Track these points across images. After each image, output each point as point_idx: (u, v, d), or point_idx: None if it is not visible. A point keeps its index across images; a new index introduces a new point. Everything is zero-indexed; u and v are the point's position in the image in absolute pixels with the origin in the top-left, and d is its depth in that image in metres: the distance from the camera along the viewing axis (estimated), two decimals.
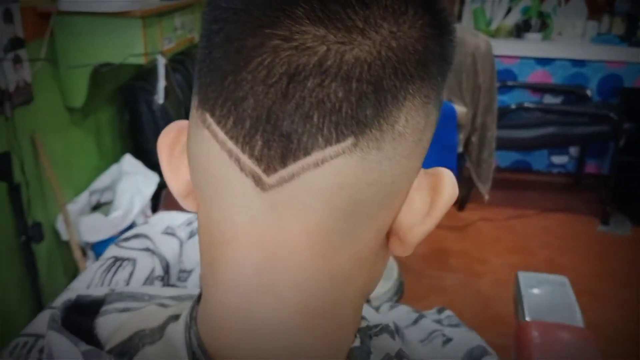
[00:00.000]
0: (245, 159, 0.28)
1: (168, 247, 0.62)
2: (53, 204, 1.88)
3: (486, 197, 2.10)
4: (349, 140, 0.27)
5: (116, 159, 2.20)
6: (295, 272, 0.30)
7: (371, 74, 0.27)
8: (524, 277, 0.97)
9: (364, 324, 0.36)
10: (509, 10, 3.48)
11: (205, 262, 0.33)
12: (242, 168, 0.29)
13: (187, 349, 0.32)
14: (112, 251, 0.61)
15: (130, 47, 1.79)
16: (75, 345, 0.32)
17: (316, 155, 0.27)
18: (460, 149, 1.93)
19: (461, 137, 1.91)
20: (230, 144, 0.29)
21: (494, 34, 3.40)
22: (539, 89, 3.31)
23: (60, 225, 1.89)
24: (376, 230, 0.32)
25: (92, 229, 1.90)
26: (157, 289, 0.43)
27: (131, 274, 0.58)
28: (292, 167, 0.28)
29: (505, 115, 2.59)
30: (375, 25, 0.27)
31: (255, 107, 0.27)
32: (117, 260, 0.60)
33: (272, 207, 0.29)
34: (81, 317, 0.37)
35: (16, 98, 1.72)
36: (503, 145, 2.55)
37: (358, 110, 0.27)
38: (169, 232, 0.64)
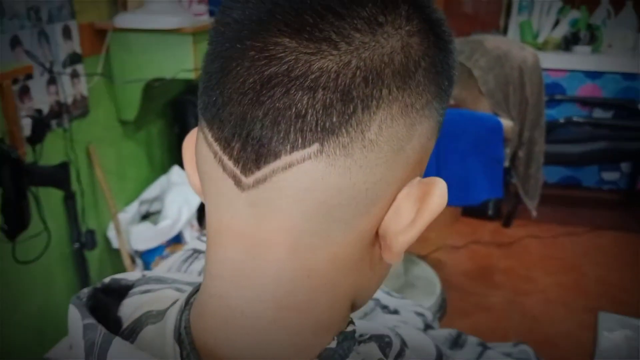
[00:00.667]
0: (226, 160, 0.31)
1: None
2: (105, 212, 1.95)
3: (534, 213, 2.05)
4: (314, 146, 0.29)
5: (165, 170, 2.26)
6: (271, 268, 0.32)
7: (338, 83, 0.28)
8: (603, 318, 0.93)
9: (350, 328, 0.36)
10: (556, 23, 3.42)
11: (206, 251, 0.36)
12: (224, 168, 0.31)
13: (174, 330, 0.35)
14: (194, 243, 0.65)
15: (181, 63, 1.85)
16: (81, 317, 0.35)
17: (285, 159, 0.29)
18: (506, 164, 1.89)
19: (507, 151, 1.87)
20: (215, 146, 0.31)
21: (542, 47, 3.33)
22: (589, 102, 3.22)
23: (111, 234, 1.96)
24: (355, 235, 0.32)
25: (142, 237, 1.96)
26: (181, 275, 0.45)
27: None
28: (265, 170, 0.30)
29: (553, 130, 2.53)
30: (347, 37, 0.28)
31: (232, 113, 0.29)
32: (196, 252, 0.63)
33: (251, 205, 0.31)
34: (109, 299, 0.40)
35: (73, 111, 1.80)
36: (551, 160, 2.49)
37: (323, 117, 0.28)
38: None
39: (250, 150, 0.29)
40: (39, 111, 1.66)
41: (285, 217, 0.30)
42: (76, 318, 0.35)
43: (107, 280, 0.42)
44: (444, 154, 1.79)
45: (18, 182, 1.08)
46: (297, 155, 0.29)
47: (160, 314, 0.37)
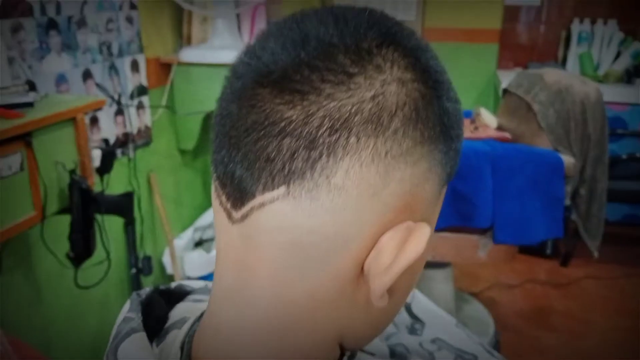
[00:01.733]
0: (222, 196, 0.35)
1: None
2: (162, 238, 2.01)
3: (595, 254, 1.96)
4: (282, 189, 0.31)
5: None
6: (254, 294, 0.35)
7: (304, 131, 0.30)
8: None
9: None
10: (618, 55, 3.32)
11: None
12: (221, 203, 0.35)
13: (183, 337, 0.40)
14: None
15: None
16: (128, 309, 0.41)
17: (259, 199, 0.32)
18: (567, 202, 1.83)
19: (568, 189, 1.81)
20: (216, 182, 0.36)
21: (603, 80, 3.24)
22: None
23: (166, 259, 2.01)
24: (331, 274, 0.34)
25: (195, 264, 2.00)
26: None
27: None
28: (247, 207, 0.33)
29: (615, 166, 2.44)
30: (316, 88, 0.30)
31: (224, 155, 0.33)
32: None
33: (240, 236, 0.34)
34: (164, 299, 0.44)
35: (138, 140, 1.87)
36: (613, 197, 2.38)
37: (290, 162, 0.31)
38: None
39: (235, 189, 0.33)
40: (106, 141, 1.74)
41: (265, 250, 0.33)
42: (124, 310, 0.41)
43: (174, 284, 0.47)
44: (500, 190, 1.75)
45: (86, 211, 1.13)
46: (268, 196, 0.32)
47: (187, 322, 0.41)
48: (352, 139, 0.30)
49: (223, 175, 0.34)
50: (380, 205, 0.32)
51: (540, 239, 1.85)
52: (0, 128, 0.95)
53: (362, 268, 0.34)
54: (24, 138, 1.01)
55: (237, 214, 0.34)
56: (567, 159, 1.80)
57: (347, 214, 0.31)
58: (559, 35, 3.52)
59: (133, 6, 1.88)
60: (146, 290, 0.44)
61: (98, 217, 1.31)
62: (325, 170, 0.31)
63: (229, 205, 0.34)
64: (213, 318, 0.38)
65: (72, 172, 1.11)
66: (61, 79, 1.55)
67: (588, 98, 1.87)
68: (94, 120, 1.69)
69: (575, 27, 3.41)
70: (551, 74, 1.99)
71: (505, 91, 2.17)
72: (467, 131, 2.02)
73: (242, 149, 0.32)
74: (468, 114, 2.20)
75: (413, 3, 3.64)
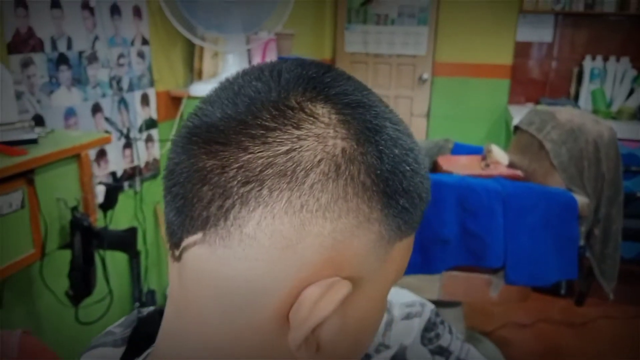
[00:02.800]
0: (167, 235, 0.37)
1: None
2: (166, 271, 1.98)
3: (611, 296, 1.90)
4: (199, 234, 0.33)
5: None
6: (187, 331, 0.36)
7: (220, 180, 0.32)
8: None
9: None
10: (631, 92, 3.30)
11: None
12: (168, 242, 0.37)
13: None
14: None
15: None
16: (116, 326, 0.43)
17: (185, 242, 0.34)
18: (581, 242, 1.79)
19: (582, 229, 1.77)
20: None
21: (616, 116, 3.21)
22: None
23: None
24: (253, 322, 0.34)
25: None
26: None
27: None
28: (180, 248, 0.35)
29: (629, 203, 2.38)
30: (237, 141, 0.32)
31: (165, 200, 0.36)
32: None
33: (178, 275, 0.36)
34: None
35: (145, 173, 1.87)
36: (628, 235, 2.33)
37: (207, 209, 0.32)
38: (387, 306, 0.64)
39: (171, 230, 0.35)
40: (114, 174, 1.74)
41: (193, 292, 0.35)
42: (115, 323, 0.43)
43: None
44: (512, 229, 1.71)
45: (88, 248, 1.11)
46: (189, 239, 0.33)
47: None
48: (265, 191, 0.31)
49: (166, 217, 0.36)
50: (296, 258, 0.32)
51: (554, 280, 1.80)
52: (2, 166, 0.94)
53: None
54: (26, 175, 1.00)
55: (175, 253, 0.36)
56: (581, 199, 1.76)
57: (260, 264, 0.32)
58: (571, 71, 3.51)
59: (145, 41, 1.90)
60: (150, 308, 0.45)
61: (101, 252, 1.29)
62: (238, 220, 0.31)
63: (171, 244, 0.36)
64: (157, 347, 0.40)
65: (74, 209, 1.09)
66: (70, 113, 1.56)
67: (601, 137, 1.84)
68: (102, 154, 1.69)
69: (588, 64, 3.40)
70: (563, 113, 1.96)
71: (516, 128, 2.15)
72: (478, 168, 2.00)
73: (174, 195, 0.34)
74: (479, 150, 2.18)
75: (424, 37, 3.67)
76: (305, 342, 0.33)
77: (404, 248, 0.37)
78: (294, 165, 0.31)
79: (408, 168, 0.35)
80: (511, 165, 2.03)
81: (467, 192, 1.71)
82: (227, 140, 0.32)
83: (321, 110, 0.33)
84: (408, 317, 0.58)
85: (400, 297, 0.60)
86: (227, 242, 0.32)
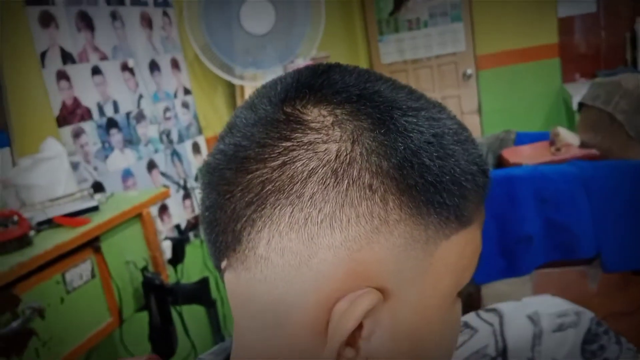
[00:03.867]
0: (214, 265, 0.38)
1: (516, 332, 0.56)
2: None
3: None
4: (225, 261, 0.34)
5: None
6: (239, 348, 0.37)
7: (229, 207, 0.32)
8: None
9: None
10: None
11: None
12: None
13: None
14: (470, 316, 0.60)
15: None
16: (219, 347, 0.43)
17: (222, 265, 0.35)
18: None
19: None
20: None
21: None
22: None
23: None
24: (287, 340, 0.33)
25: None
26: None
27: (463, 343, 0.56)
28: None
29: None
30: (239, 166, 0.32)
31: (205, 231, 0.36)
32: (465, 327, 0.58)
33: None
34: None
35: None
36: None
37: (225, 236, 0.33)
38: (533, 317, 0.58)
39: (212, 259, 0.36)
40: (178, 226, 1.74)
41: (235, 314, 0.36)
42: (209, 352, 0.43)
43: None
44: (601, 213, 1.57)
45: (163, 307, 1.09)
46: (223, 264, 0.34)
47: None
48: (267, 210, 0.31)
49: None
50: (312, 274, 0.31)
51: None
52: (67, 238, 0.93)
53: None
54: (92, 244, 0.99)
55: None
56: None
57: (279, 284, 0.31)
58: (623, 37, 3.32)
59: (187, 91, 1.91)
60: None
61: (177, 307, 1.27)
62: (251, 242, 0.31)
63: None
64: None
65: (144, 269, 1.08)
66: (127, 174, 1.57)
67: None
68: (164, 209, 1.69)
69: (639, 27, 3.20)
70: (629, 79, 1.82)
71: (581, 105, 2.01)
72: (548, 154, 1.87)
73: (206, 224, 0.35)
74: (544, 136, 2.05)
75: (461, 33, 3.57)
76: (341, 357, 0.32)
77: (458, 246, 0.34)
78: (289, 179, 0.30)
79: (429, 158, 0.31)
80: (583, 145, 1.89)
81: (542, 181, 1.59)
82: (233, 165, 0.32)
83: (312, 115, 0.32)
84: (560, 328, 0.53)
85: (550, 306, 0.55)
86: (247, 265, 0.32)
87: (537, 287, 1.72)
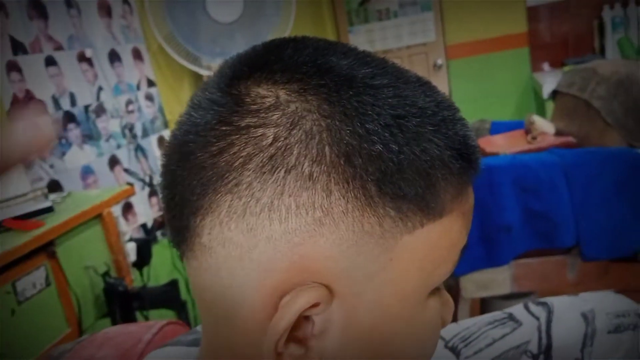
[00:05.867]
0: None
1: (564, 330, 0.52)
2: None
3: None
4: (181, 248, 0.32)
5: None
6: (203, 334, 0.37)
7: (176, 196, 0.31)
8: None
9: None
10: None
11: None
12: None
13: None
14: (516, 308, 0.56)
15: None
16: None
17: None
18: None
19: None
20: None
21: None
22: None
23: None
24: (242, 331, 0.31)
25: None
26: None
27: (503, 336, 0.52)
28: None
29: None
30: (187, 149, 0.31)
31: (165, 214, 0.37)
32: (509, 319, 0.54)
33: None
34: None
35: None
36: None
37: (177, 222, 0.31)
38: (587, 315, 0.54)
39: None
40: (144, 225, 1.65)
41: (197, 300, 0.34)
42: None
43: None
44: (580, 201, 1.55)
45: (128, 314, 1.00)
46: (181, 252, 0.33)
47: None
48: (208, 198, 0.29)
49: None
50: (253, 266, 0.29)
51: (638, 247, 1.62)
52: (18, 243, 0.84)
53: None
54: (46, 249, 0.90)
55: None
56: None
57: (223, 274, 0.30)
58: (591, 25, 3.34)
59: (151, 83, 1.82)
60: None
61: (145, 312, 1.18)
62: (196, 230, 0.30)
63: None
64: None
65: (105, 274, 0.99)
66: (87, 172, 1.47)
67: None
68: (128, 207, 1.59)
69: (607, 14, 3.24)
70: (604, 66, 1.81)
71: (555, 93, 1.99)
72: (524, 142, 1.85)
73: (165, 209, 0.34)
74: (519, 125, 2.03)
75: (431, 23, 3.54)
76: (282, 355, 0.30)
77: (426, 240, 0.31)
78: (227, 165, 0.29)
79: (382, 144, 0.28)
80: (558, 133, 1.87)
81: (522, 170, 1.56)
82: (179, 150, 0.31)
83: (252, 96, 0.29)
84: (617, 329, 0.49)
85: (610, 305, 0.51)
86: (195, 254, 0.31)
87: (517, 277, 1.70)
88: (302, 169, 0.28)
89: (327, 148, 0.28)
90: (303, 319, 0.30)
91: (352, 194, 0.28)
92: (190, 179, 0.30)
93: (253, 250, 0.29)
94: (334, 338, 0.30)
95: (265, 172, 0.28)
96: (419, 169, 0.29)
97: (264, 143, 0.28)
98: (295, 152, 0.28)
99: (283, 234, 0.29)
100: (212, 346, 0.35)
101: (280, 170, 0.28)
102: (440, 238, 0.31)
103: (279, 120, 0.28)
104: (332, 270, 0.29)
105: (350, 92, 0.29)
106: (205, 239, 0.30)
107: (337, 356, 0.31)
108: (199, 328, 0.43)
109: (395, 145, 0.29)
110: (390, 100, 0.29)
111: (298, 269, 0.29)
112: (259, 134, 0.28)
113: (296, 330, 0.30)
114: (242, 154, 0.28)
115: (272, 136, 0.28)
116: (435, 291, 0.33)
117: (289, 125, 0.28)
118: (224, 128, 0.29)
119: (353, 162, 0.28)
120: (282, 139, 0.28)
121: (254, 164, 0.28)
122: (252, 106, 0.29)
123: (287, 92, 0.29)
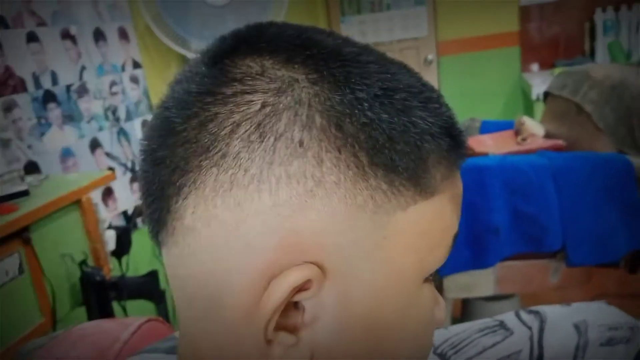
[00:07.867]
0: None
1: (556, 341, 0.51)
2: None
3: None
4: (159, 236, 0.31)
5: None
6: (181, 332, 0.34)
7: (157, 176, 0.29)
8: None
9: None
10: None
11: None
12: None
13: None
14: (507, 316, 0.55)
15: None
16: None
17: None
18: None
19: None
20: None
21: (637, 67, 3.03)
22: None
23: None
24: (228, 323, 0.30)
25: None
26: None
27: (494, 344, 0.52)
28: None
29: None
30: (169, 125, 0.29)
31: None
32: (500, 327, 0.53)
33: None
34: None
35: None
36: None
37: (155, 207, 0.30)
38: (580, 326, 0.53)
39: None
40: (125, 212, 1.60)
41: (176, 296, 0.32)
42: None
43: None
44: (569, 205, 1.54)
45: (105, 304, 0.97)
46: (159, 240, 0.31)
47: None
48: (192, 174, 0.28)
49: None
50: (241, 245, 0.28)
51: (622, 254, 1.63)
52: None
53: None
54: (21, 235, 0.85)
55: None
56: (637, 161, 1.59)
57: (208, 257, 0.28)
58: (582, 28, 3.35)
59: (137, 65, 1.76)
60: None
61: (122, 302, 1.14)
62: (177, 212, 0.29)
63: None
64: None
65: (82, 263, 0.95)
66: (67, 154, 1.42)
67: None
68: (109, 193, 1.54)
69: (599, 17, 3.25)
70: (598, 69, 1.80)
71: (547, 94, 1.98)
72: (514, 144, 1.84)
73: (143, 196, 0.32)
74: (509, 125, 2.02)
75: (424, 18, 3.51)
76: (272, 343, 0.28)
77: (420, 220, 0.30)
78: (212, 137, 0.27)
79: (373, 112, 0.28)
80: (548, 135, 1.87)
81: (512, 172, 1.54)
82: (158, 129, 0.30)
83: (237, 67, 0.29)
84: (610, 342, 0.49)
85: (603, 316, 0.50)
86: (175, 239, 0.29)
87: (501, 280, 1.69)
88: (291, 135, 0.27)
89: (317, 115, 0.27)
90: (293, 306, 0.28)
91: (344, 164, 0.28)
92: (172, 156, 0.28)
93: (240, 227, 0.28)
94: (325, 327, 0.29)
95: (253, 141, 0.27)
96: (409, 141, 0.29)
97: (251, 110, 0.27)
98: (284, 118, 0.27)
99: (272, 206, 0.27)
100: (192, 348, 0.32)
101: (270, 137, 0.27)
102: (433, 219, 0.31)
103: (267, 87, 0.28)
104: (323, 246, 0.28)
105: (338, 63, 0.29)
106: (189, 220, 0.29)
107: (329, 349, 0.29)
108: (177, 334, 0.41)
109: (385, 114, 0.28)
110: (377, 75, 0.29)
111: (288, 247, 0.28)
112: (246, 100, 0.28)
113: (286, 318, 0.28)
114: (228, 123, 0.27)
115: (259, 103, 0.27)
116: (428, 281, 0.32)
117: (276, 92, 0.28)
118: (208, 99, 0.28)
119: (344, 130, 0.28)
120: (270, 105, 0.27)
121: (241, 132, 0.27)
122: (238, 75, 0.28)
123: (274, 62, 0.29)
